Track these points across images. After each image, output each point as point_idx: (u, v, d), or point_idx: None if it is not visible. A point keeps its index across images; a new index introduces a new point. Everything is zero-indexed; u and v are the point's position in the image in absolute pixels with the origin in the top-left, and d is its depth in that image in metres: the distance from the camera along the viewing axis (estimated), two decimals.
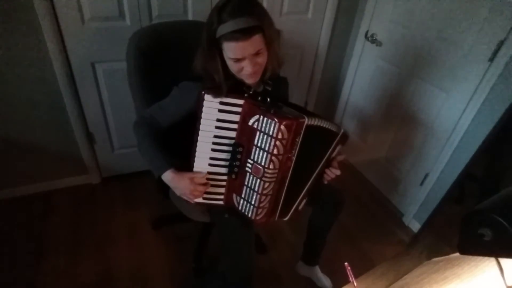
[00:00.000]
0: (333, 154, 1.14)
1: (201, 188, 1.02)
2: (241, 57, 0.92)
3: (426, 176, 1.86)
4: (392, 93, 2.01)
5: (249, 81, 1.01)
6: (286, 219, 1.16)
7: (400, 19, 1.86)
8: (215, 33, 0.89)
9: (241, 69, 0.96)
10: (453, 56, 1.60)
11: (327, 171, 1.16)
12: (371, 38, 2.04)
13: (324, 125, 1.04)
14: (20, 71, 1.53)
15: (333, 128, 1.08)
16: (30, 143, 1.74)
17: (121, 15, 1.57)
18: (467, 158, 1.58)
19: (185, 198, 1.04)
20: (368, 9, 2.03)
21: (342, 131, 1.11)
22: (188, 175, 1.01)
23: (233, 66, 0.96)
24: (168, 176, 1.00)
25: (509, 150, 1.47)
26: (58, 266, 1.54)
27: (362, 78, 2.23)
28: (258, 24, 0.89)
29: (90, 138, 1.87)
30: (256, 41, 0.90)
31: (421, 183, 1.90)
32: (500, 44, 1.39)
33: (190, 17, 1.71)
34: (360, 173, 2.37)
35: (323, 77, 2.34)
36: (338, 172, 1.16)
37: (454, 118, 1.65)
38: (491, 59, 1.43)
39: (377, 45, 2.03)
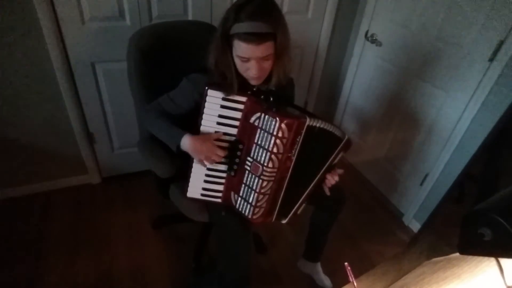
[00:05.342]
0: (336, 160, 1.14)
1: (220, 152, 0.99)
2: (248, 57, 0.93)
3: (426, 176, 1.86)
4: (392, 93, 2.01)
5: (252, 82, 1.02)
6: (284, 222, 1.16)
7: (400, 19, 1.86)
8: (229, 29, 0.91)
9: (247, 69, 0.97)
10: (453, 56, 1.60)
11: (328, 176, 1.15)
12: (371, 38, 2.04)
13: (327, 128, 1.04)
14: (20, 71, 1.53)
15: (337, 132, 1.08)
16: (30, 143, 1.74)
17: (121, 15, 1.57)
18: (467, 158, 1.58)
19: (203, 162, 1.01)
20: (368, 9, 2.03)
21: (346, 137, 1.11)
22: (213, 135, 1.00)
23: (239, 64, 0.97)
24: (187, 140, 0.98)
25: (508, 151, 1.46)
26: (58, 266, 1.54)
27: (362, 78, 2.23)
28: (272, 32, 0.90)
29: (90, 138, 1.87)
30: (266, 47, 0.91)
31: (421, 183, 1.90)
32: (500, 44, 1.39)
33: (190, 17, 1.71)
34: (360, 173, 2.37)
35: (323, 77, 2.34)
36: (337, 178, 1.15)
37: (454, 118, 1.65)
38: (491, 59, 1.43)
39: (377, 45, 2.03)
